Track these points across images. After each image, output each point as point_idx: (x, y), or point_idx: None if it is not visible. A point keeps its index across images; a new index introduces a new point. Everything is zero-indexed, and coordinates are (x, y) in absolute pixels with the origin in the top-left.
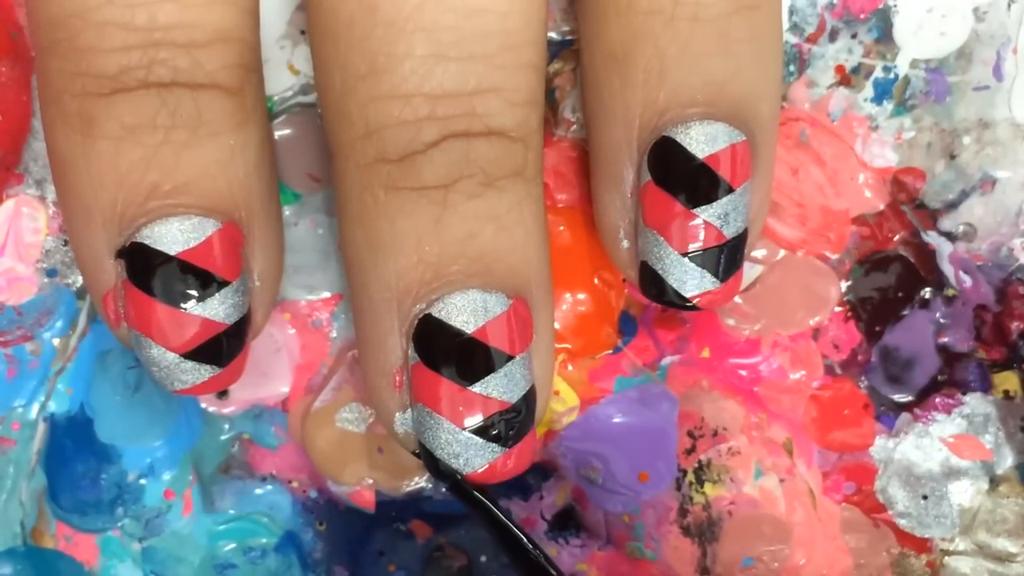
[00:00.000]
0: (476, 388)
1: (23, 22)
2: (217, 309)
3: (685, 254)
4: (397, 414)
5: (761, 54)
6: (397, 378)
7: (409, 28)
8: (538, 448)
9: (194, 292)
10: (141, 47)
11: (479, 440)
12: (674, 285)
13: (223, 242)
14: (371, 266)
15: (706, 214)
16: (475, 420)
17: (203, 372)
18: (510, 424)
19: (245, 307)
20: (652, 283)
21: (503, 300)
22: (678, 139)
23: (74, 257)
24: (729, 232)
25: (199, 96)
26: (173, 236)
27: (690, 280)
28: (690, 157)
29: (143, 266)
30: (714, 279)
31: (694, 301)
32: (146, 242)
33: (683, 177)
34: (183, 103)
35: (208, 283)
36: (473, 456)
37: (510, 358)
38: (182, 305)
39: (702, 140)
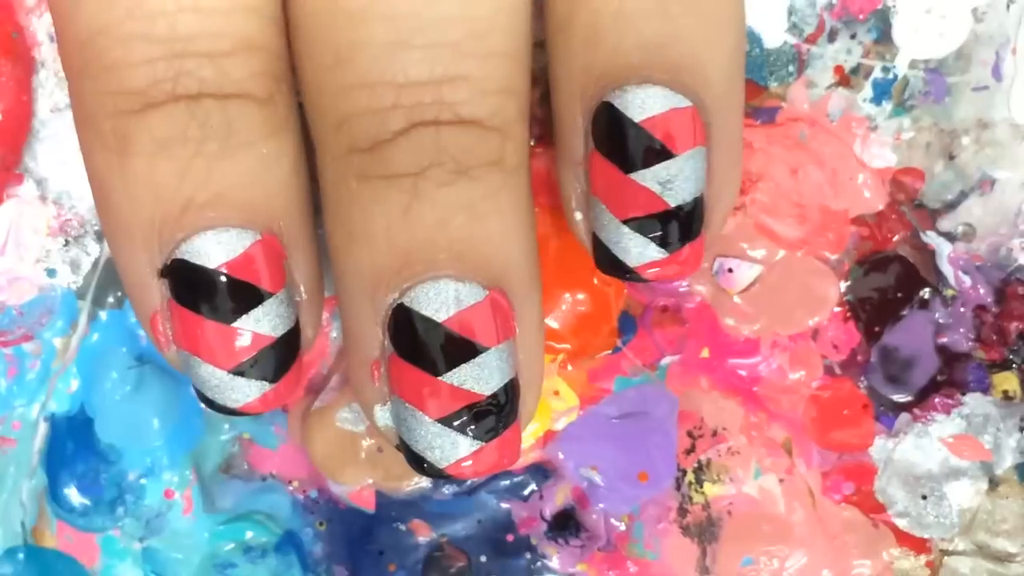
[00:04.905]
0: (448, 378)
1: (23, 22)
2: (262, 322)
3: (625, 221)
4: (377, 407)
5: (706, 18)
6: (375, 370)
7: (369, 16)
8: (537, 447)
9: (237, 305)
10: (165, 59)
11: (452, 432)
12: (618, 254)
13: (264, 253)
14: (346, 256)
15: (643, 179)
16: (447, 410)
17: (255, 388)
18: (487, 417)
19: (292, 320)
20: (603, 255)
21: (478, 290)
22: (614, 103)
23: (121, 281)
24: (672, 200)
25: (228, 106)
26: (211, 249)
27: (633, 248)
28: (624, 120)
29: (185, 282)
30: (659, 248)
31: (643, 273)
32: (186, 257)
33: (618, 141)
34: (212, 114)
35: (251, 296)
36: (449, 448)
37: (485, 349)
38: (227, 320)
39: (637, 103)
